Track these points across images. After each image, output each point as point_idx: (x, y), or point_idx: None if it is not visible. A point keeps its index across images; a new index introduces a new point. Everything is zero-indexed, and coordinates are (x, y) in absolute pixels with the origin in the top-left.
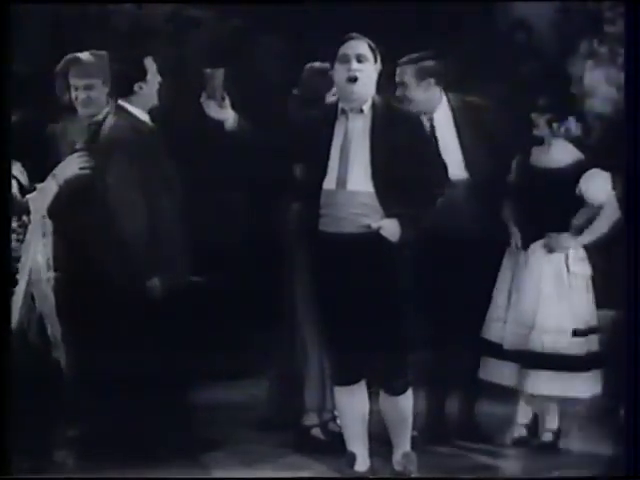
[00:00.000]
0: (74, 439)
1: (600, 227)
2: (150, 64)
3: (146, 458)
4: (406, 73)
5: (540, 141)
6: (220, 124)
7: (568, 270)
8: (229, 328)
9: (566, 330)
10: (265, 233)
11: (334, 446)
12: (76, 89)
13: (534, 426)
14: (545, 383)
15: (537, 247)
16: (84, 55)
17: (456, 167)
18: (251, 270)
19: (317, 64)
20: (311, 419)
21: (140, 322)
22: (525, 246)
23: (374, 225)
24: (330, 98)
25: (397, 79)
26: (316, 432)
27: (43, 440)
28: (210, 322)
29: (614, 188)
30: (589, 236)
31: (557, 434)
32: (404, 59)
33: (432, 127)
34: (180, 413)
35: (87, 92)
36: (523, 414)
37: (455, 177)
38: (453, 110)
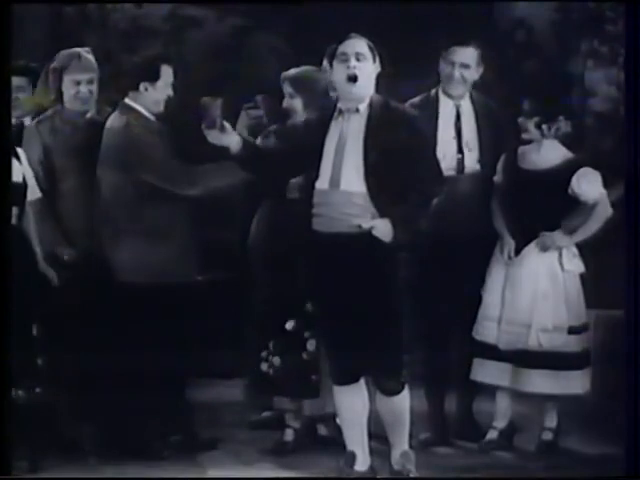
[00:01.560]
0: (73, 439)
1: (593, 225)
2: (167, 72)
3: (145, 457)
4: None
5: (529, 142)
6: (225, 149)
7: (562, 268)
8: (228, 327)
9: (562, 328)
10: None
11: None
12: (78, 84)
13: (509, 431)
14: (542, 381)
15: (531, 246)
16: (83, 50)
17: (473, 158)
18: (250, 269)
19: None
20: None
21: (140, 321)
22: (517, 252)
23: (365, 225)
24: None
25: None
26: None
27: (43, 440)
28: (210, 321)
29: (605, 186)
30: (582, 234)
31: (556, 432)
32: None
33: (458, 114)
34: (179, 412)
35: (89, 86)
36: (500, 417)
37: (470, 169)
38: (473, 101)
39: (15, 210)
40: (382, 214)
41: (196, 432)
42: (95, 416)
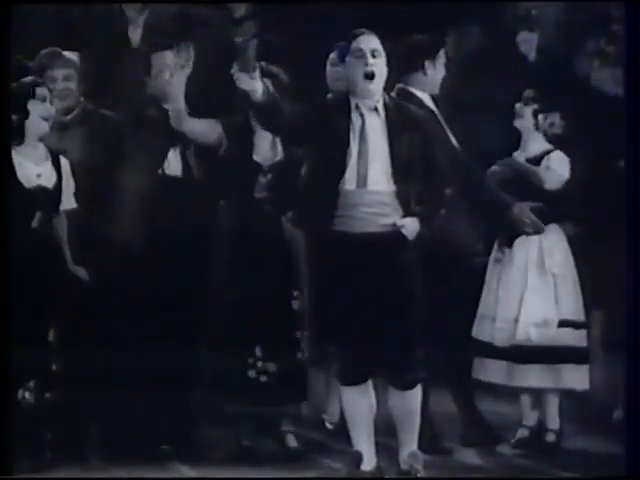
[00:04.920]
0: (74, 439)
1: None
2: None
3: (146, 457)
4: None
5: (516, 138)
6: (247, 95)
7: (551, 262)
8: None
9: (552, 321)
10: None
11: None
12: (54, 81)
13: (538, 428)
14: (534, 376)
15: (520, 242)
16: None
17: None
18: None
19: None
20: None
21: (141, 321)
22: (509, 244)
23: (398, 223)
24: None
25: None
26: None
27: (43, 440)
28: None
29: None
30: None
31: (559, 434)
32: None
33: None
34: (180, 412)
35: (65, 83)
36: (528, 415)
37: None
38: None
39: (39, 214)
40: (407, 213)
41: (200, 432)
42: (99, 417)
